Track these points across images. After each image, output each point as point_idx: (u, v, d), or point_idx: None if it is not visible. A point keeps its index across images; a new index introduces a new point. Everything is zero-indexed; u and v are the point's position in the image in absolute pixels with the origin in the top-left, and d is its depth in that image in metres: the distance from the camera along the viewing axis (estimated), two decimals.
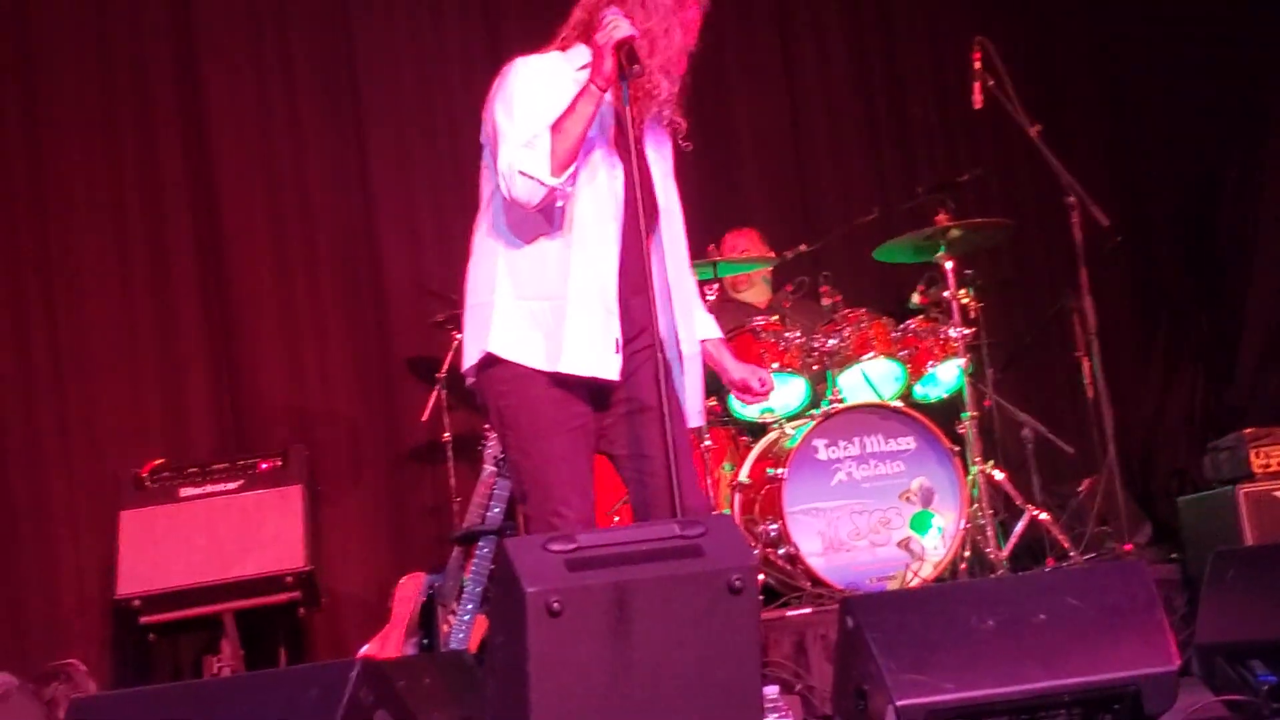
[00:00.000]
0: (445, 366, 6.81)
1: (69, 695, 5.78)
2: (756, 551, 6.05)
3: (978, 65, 6.45)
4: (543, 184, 4.16)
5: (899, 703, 3.43)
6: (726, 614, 3.40)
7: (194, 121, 7.32)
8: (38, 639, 6.64)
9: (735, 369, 4.64)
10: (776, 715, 3.47)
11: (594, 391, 4.32)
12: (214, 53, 7.37)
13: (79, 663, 5.93)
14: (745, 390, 4.65)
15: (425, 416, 6.95)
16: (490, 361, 4.30)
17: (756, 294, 7.32)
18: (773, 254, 7.09)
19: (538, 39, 4.40)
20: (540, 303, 4.30)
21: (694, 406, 4.51)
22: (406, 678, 4.32)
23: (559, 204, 4.25)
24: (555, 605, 3.25)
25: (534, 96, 4.27)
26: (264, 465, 6.47)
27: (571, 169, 4.20)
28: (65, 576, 6.83)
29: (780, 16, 8.19)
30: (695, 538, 3.48)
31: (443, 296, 6.65)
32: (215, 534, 6.33)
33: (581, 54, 4.30)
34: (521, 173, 4.15)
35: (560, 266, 4.30)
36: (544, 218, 4.28)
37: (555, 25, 4.39)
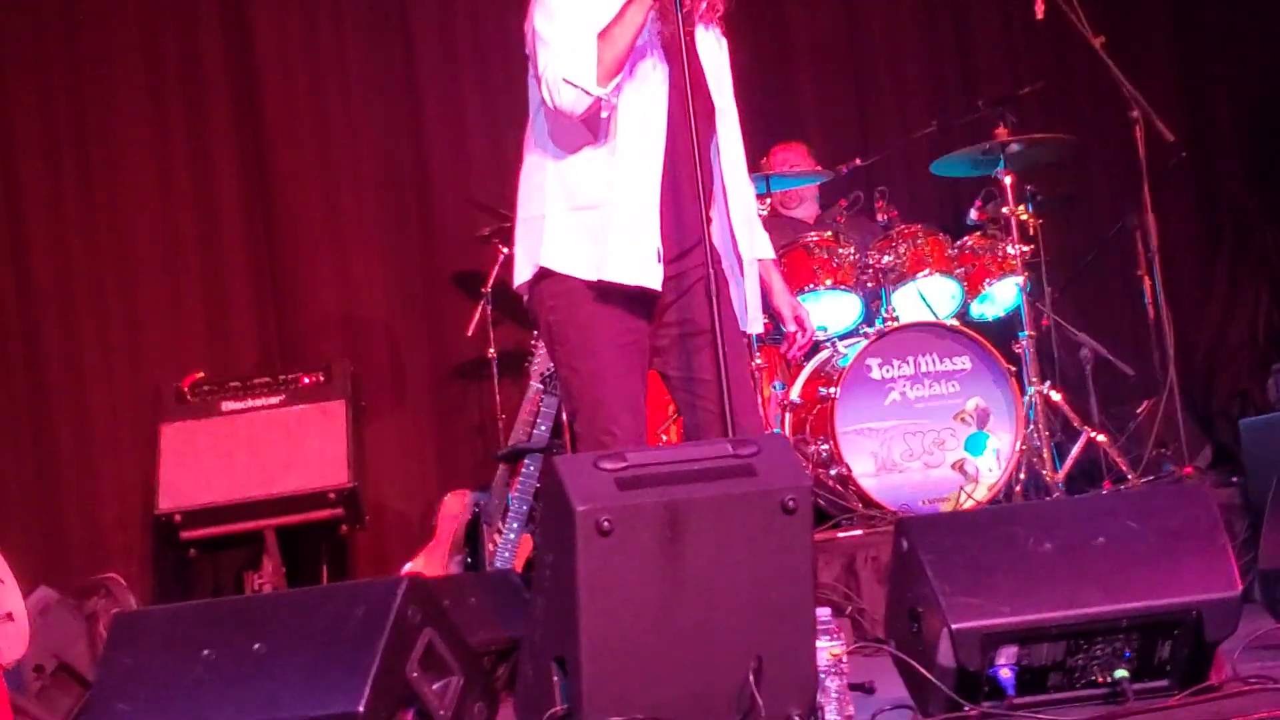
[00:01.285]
0: (491, 281, 6.78)
1: (109, 610, 5.85)
2: (807, 472, 6.00)
3: None
4: (588, 93, 4.17)
5: (954, 626, 3.43)
6: (780, 535, 3.41)
7: (237, 25, 7.29)
8: (78, 553, 6.69)
9: (780, 296, 4.66)
10: (828, 638, 3.47)
11: (644, 304, 4.33)
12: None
13: (119, 578, 5.99)
14: (779, 318, 4.68)
15: (471, 331, 6.92)
16: (542, 275, 4.33)
17: (805, 210, 7.26)
18: (820, 168, 7.03)
19: None
20: (589, 213, 4.31)
21: (753, 313, 4.50)
22: (452, 596, 4.36)
23: (604, 114, 4.24)
24: (605, 524, 3.26)
25: (576, 3, 4.25)
26: (306, 380, 6.52)
27: (618, 78, 4.20)
28: (105, 490, 6.88)
29: None
30: (748, 457, 3.48)
31: (489, 209, 6.64)
32: (257, 449, 6.39)
33: None
34: (566, 80, 4.16)
35: (606, 175, 4.30)
36: (588, 127, 4.28)
37: None
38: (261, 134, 7.26)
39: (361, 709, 3.12)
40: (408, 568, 5.98)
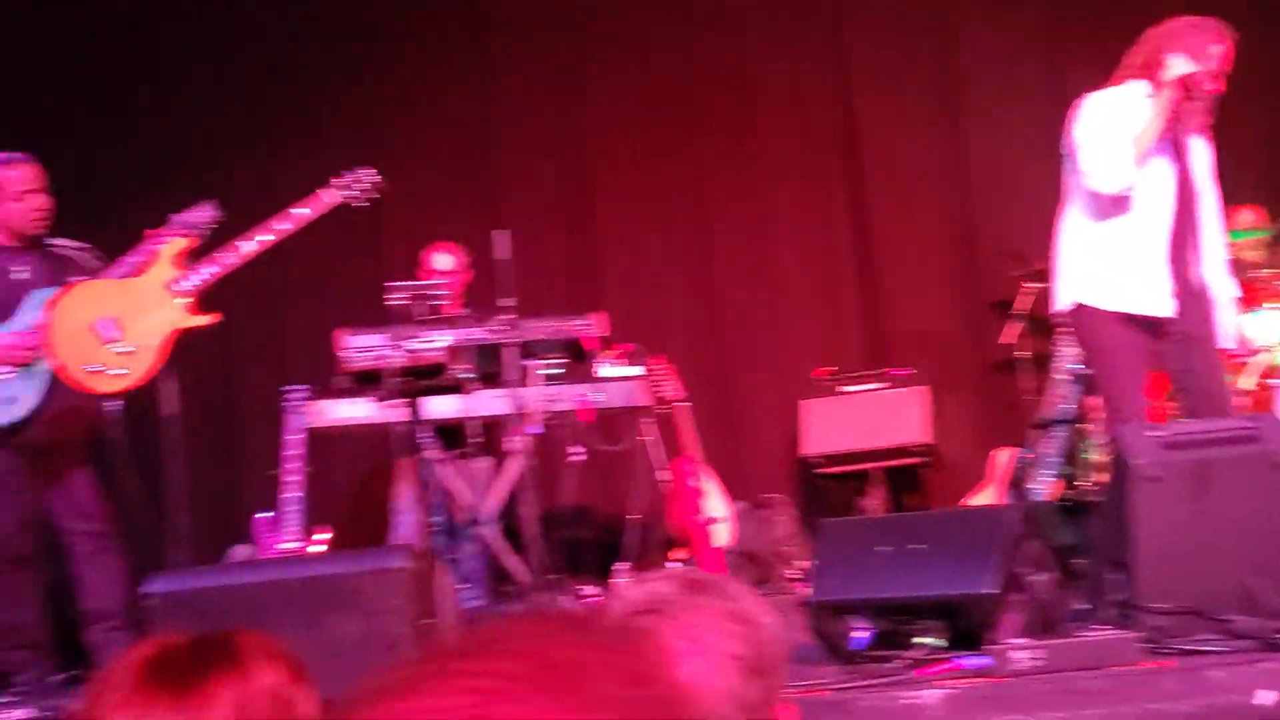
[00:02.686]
0: (1019, 307, 6.58)
1: (773, 518, 6.11)
2: None
3: None
4: (1119, 178, 4.18)
5: None
6: (1274, 484, 3.32)
7: (849, 126, 7.32)
8: (751, 479, 6.80)
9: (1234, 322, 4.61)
10: None
11: (1149, 325, 4.28)
12: (864, 71, 7.29)
13: (780, 496, 6.29)
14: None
15: (1003, 340, 6.74)
16: (1080, 307, 4.35)
17: (1257, 254, 6.73)
18: (1271, 225, 6.55)
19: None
20: (1115, 263, 4.30)
21: (1227, 332, 4.44)
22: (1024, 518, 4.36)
23: (1127, 192, 4.23)
24: (1155, 474, 3.27)
25: (1108, 119, 4.26)
26: (899, 372, 6.56)
27: (1139, 167, 4.19)
28: (764, 440, 7.05)
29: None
30: (1251, 429, 3.43)
31: (1016, 256, 6.44)
32: (867, 417, 6.47)
33: (1138, 87, 4.29)
34: (1104, 170, 4.19)
35: (1127, 237, 4.30)
36: (1115, 203, 4.27)
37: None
38: (864, 194, 7.23)
39: (993, 590, 3.18)
40: (970, 499, 5.97)
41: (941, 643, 3.25)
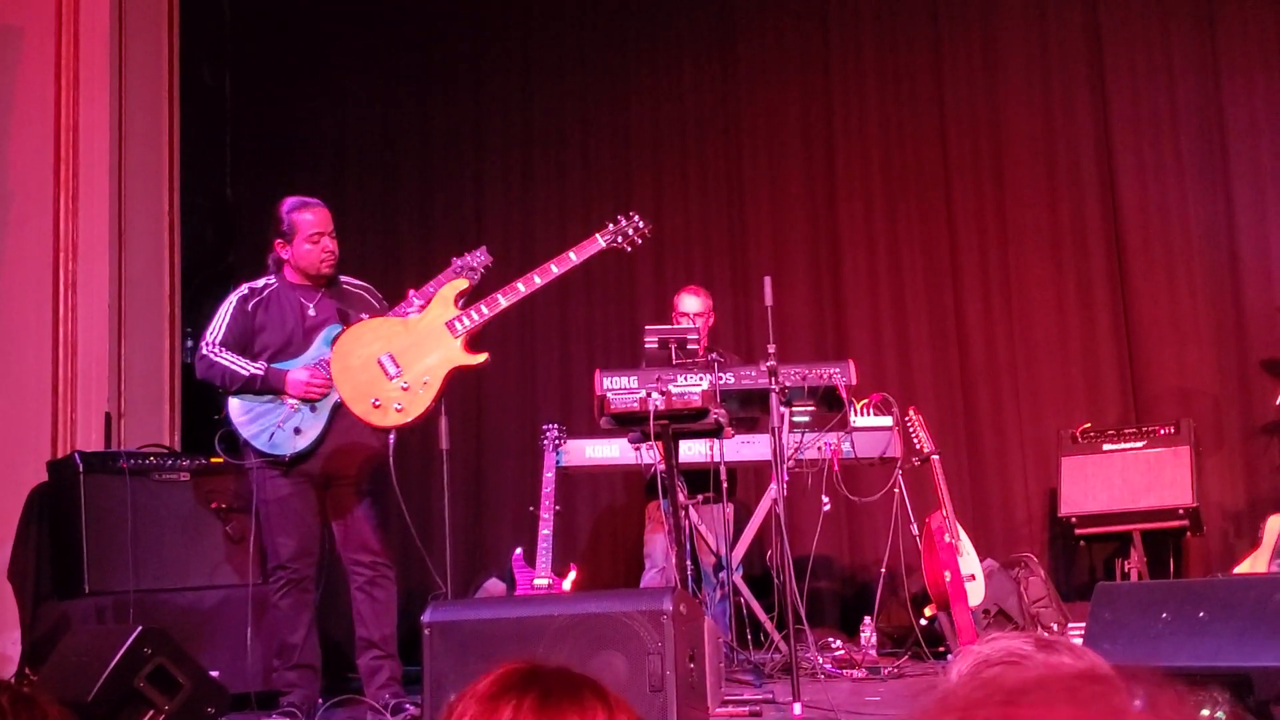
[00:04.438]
0: None
1: (1027, 577, 6.03)
2: None
3: None
4: None
5: None
6: None
7: (1107, 172, 7.22)
8: (999, 539, 6.83)
9: None
10: None
11: None
12: (1124, 121, 7.21)
13: (1032, 556, 6.20)
14: None
15: (1278, 402, 6.57)
16: None
17: None
18: None
19: None
20: None
21: None
22: None
23: None
24: None
25: None
26: (1161, 431, 6.41)
27: None
28: (1017, 498, 7.04)
29: None
30: None
31: None
32: (1127, 476, 6.34)
33: None
34: None
35: None
36: None
37: None
38: (1124, 248, 7.13)
39: None
40: (1237, 568, 5.75)
41: (1221, 716, 3.19)
